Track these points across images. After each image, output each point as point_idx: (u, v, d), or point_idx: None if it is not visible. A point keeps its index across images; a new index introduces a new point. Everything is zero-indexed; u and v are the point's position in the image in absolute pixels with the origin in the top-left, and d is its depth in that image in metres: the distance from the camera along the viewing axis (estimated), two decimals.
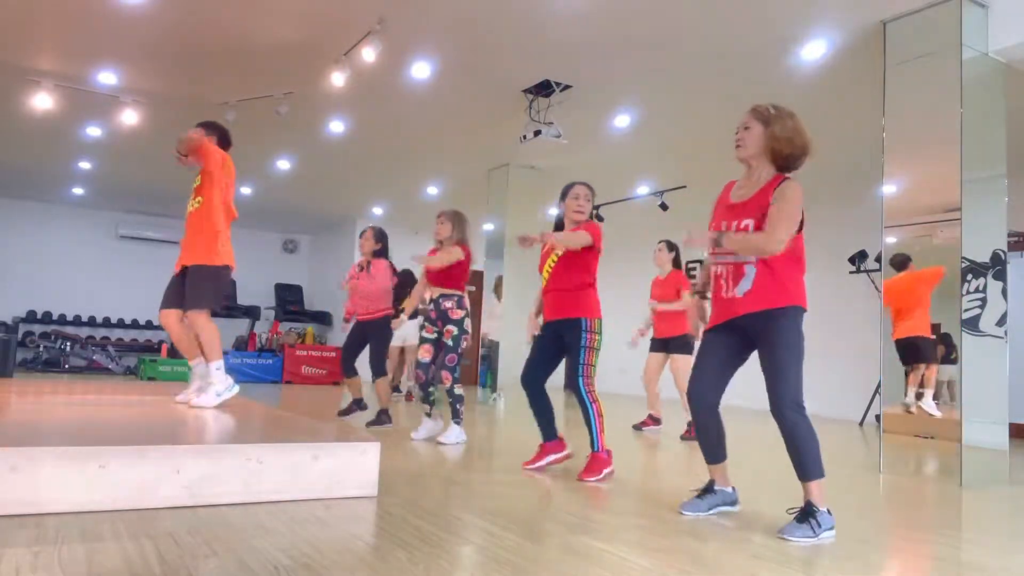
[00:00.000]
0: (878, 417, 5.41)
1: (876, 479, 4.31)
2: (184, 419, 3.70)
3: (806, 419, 2.70)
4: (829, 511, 2.72)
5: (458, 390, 4.84)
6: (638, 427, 6.42)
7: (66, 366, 11.51)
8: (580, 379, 3.73)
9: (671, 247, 6.22)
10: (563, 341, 3.83)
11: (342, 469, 2.92)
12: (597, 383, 3.82)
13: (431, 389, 4.98)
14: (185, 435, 3.12)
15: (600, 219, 10.50)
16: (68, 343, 11.59)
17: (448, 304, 4.82)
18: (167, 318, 4.37)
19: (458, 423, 4.87)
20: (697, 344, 3.29)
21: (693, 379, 2.94)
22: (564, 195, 3.96)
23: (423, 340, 4.92)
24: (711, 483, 3.02)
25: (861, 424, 8.47)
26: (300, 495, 2.83)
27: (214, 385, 4.26)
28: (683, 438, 5.85)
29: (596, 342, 3.77)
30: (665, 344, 6.10)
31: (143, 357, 11.05)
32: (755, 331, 2.80)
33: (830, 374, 9.57)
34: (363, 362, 5.96)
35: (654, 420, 6.43)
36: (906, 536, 2.90)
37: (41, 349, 11.53)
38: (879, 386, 5.89)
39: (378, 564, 2.08)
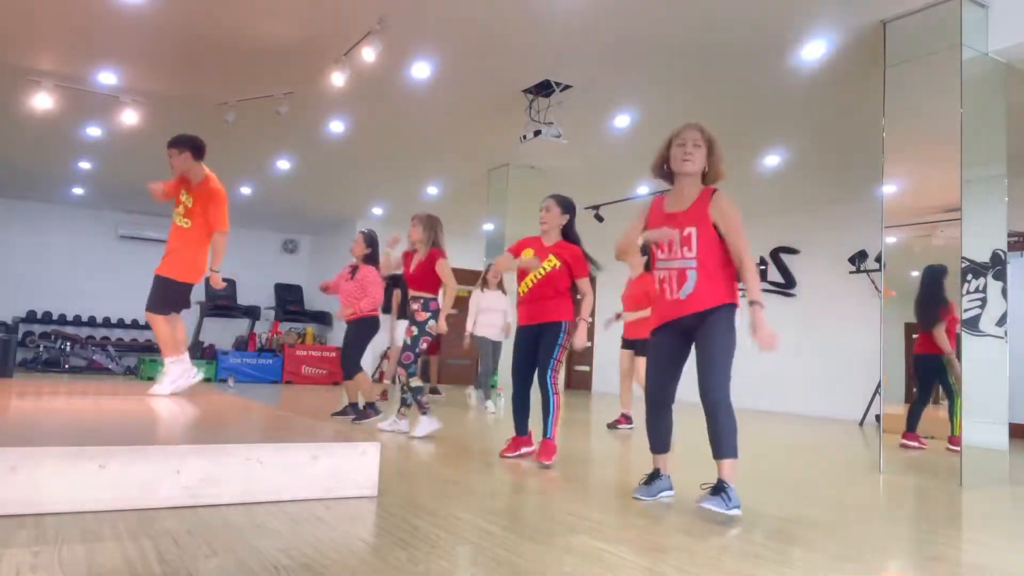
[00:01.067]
0: (878, 417, 5.41)
1: (876, 479, 4.31)
2: (184, 419, 3.70)
3: (729, 404, 3.01)
4: (733, 488, 2.99)
5: (414, 383, 5.05)
6: (612, 426, 6.53)
7: (66, 366, 11.51)
8: (549, 372, 4.15)
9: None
10: (539, 340, 4.20)
11: (342, 469, 2.92)
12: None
13: (403, 387, 5.18)
14: (185, 435, 3.13)
15: (600, 219, 10.50)
16: (68, 343, 11.59)
17: (415, 306, 5.05)
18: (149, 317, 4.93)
19: (425, 413, 5.07)
20: None
21: (648, 376, 3.26)
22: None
23: (404, 343, 5.09)
24: (656, 471, 3.34)
25: (861, 424, 8.48)
26: (300, 495, 2.83)
27: (168, 375, 4.88)
28: (609, 427, 6.49)
29: (569, 344, 4.21)
30: (632, 344, 6.53)
31: (143, 357, 11.05)
32: (695, 328, 3.10)
33: (830, 374, 9.58)
34: (363, 362, 6.01)
35: (626, 419, 6.55)
36: (906, 536, 2.90)
37: (41, 349, 11.53)
38: (879, 386, 5.89)
39: (378, 564, 2.08)
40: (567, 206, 4.28)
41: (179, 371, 4.90)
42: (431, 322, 5.01)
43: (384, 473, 3.44)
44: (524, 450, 4.34)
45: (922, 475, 4.43)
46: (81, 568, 1.89)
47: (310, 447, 2.87)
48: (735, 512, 2.89)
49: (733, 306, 3.09)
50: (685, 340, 3.16)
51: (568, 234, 4.27)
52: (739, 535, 2.69)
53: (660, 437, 3.29)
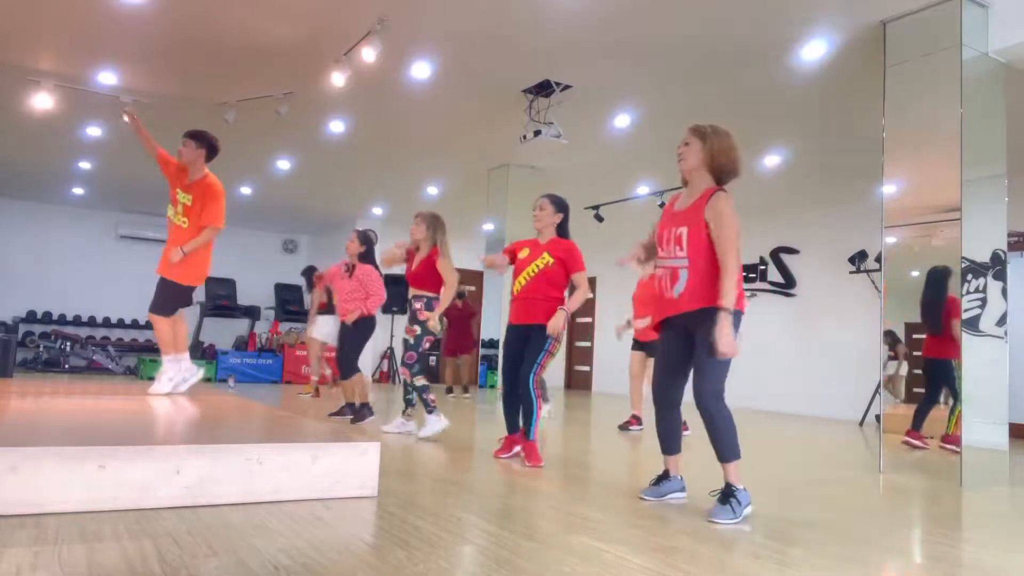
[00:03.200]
0: (878, 417, 5.41)
1: (876, 479, 4.31)
2: (184, 419, 3.70)
3: (725, 408, 3.01)
4: (745, 488, 3.02)
5: (419, 382, 5.00)
6: (623, 427, 6.49)
7: (66, 366, 11.51)
8: (532, 375, 4.13)
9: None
10: (527, 341, 4.18)
11: (342, 469, 2.92)
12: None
13: (408, 387, 5.13)
14: (185, 435, 3.12)
15: (600, 219, 10.50)
16: (68, 343, 11.59)
17: (418, 305, 4.99)
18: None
19: (431, 412, 5.01)
20: None
21: (655, 376, 3.25)
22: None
23: (404, 341, 5.05)
24: (666, 472, 3.31)
25: (861, 424, 8.47)
26: (300, 495, 2.83)
27: (166, 372, 4.89)
28: (621, 428, 6.44)
29: (557, 348, 4.19)
30: (643, 346, 6.47)
31: (143, 357, 11.04)
32: (692, 327, 3.08)
33: (830, 374, 9.57)
34: (363, 362, 6.00)
35: (637, 420, 6.50)
36: (906, 536, 2.90)
37: (41, 349, 11.53)
38: (879, 386, 5.89)
39: (378, 564, 2.08)
40: (560, 205, 4.28)
41: (176, 369, 4.90)
42: (432, 322, 4.99)
43: (384, 473, 3.44)
44: (517, 449, 4.37)
45: (922, 475, 4.43)
46: (81, 568, 1.89)
47: (310, 447, 2.87)
48: (746, 513, 2.94)
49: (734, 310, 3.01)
50: (686, 340, 3.14)
51: (562, 233, 4.28)
52: (739, 535, 2.69)
53: (669, 438, 3.26)
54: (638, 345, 6.53)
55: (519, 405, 4.34)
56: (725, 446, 3.00)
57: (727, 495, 2.95)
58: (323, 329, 8.15)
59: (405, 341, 5.00)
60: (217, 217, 4.79)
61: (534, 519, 2.76)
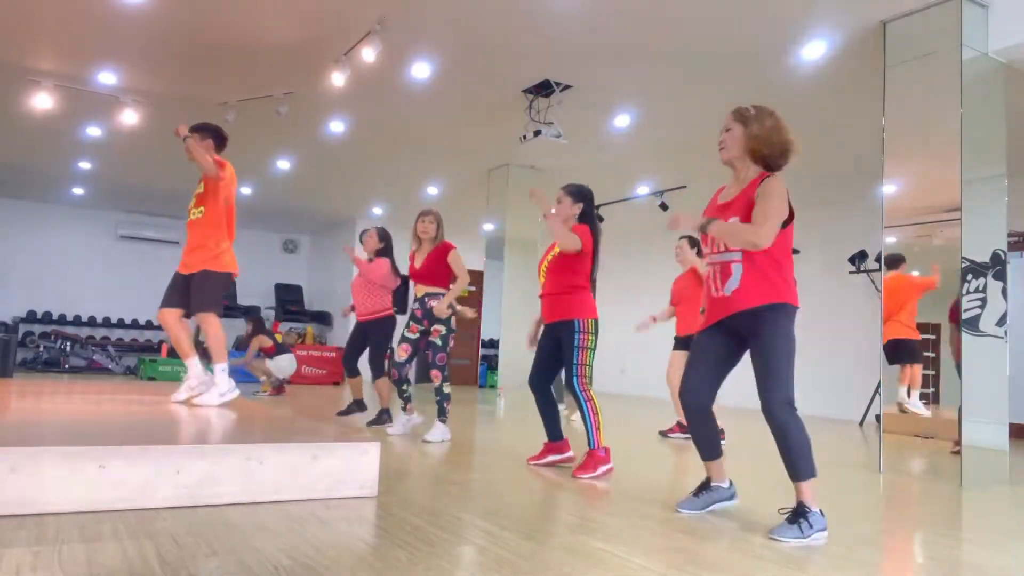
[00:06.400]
0: (878, 417, 5.41)
1: (876, 479, 4.31)
2: (184, 419, 3.70)
3: (797, 419, 2.68)
4: (822, 512, 2.71)
5: (447, 388, 4.91)
6: (664, 434, 6.00)
7: (66, 366, 11.50)
8: (575, 379, 3.83)
9: (693, 243, 5.89)
10: (559, 342, 3.92)
11: (342, 469, 2.92)
12: (599, 384, 3.91)
13: (404, 386, 5.04)
14: (185, 435, 3.12)
15: (600, 219, 10.50)
16: (68, 343, 11.58)
17: (434, 303, 4.86)
18: (166, 317, 4.46)
19: (443, 421, 4.94)
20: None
21: (685, 379, 2.95)
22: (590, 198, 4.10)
23: (403, 339, 4.96)
24: (707, 480, 3.05)
25: (861, 424, 8.47)
26: (300, 495, 2.83)
27: (217, 386, 4.37)
28: (663, 434, 5.97)
29: (590, 342, 3.87)
30: (686, 342, 5.76)
31: (143, 357, 11.04)
32: (746, 330, 2.79)
33: (830, 374, 9.57)
34: (363, 362, 5.99)
35: (682, 427, 5.92)
36: (906, 536, 2.90)
37: (41, 349, 11.53)
38: (879, 386, 5.89)
39: (378, 564, 2.08)
40: (578, 195, 4.00)
41: (229, 384, 4.41)
42: (453, 318, 4.87)
43: (384, 473, 3.44)
44: (551, 458, 4.10)
45: (922, 475, 4.43)
46: (81, 568, 1.89)
47: (310, 447, 2.87)
48: (814, 539, 2.63)
49: (790, 307, 2.76)
50: (734, 344, 2.88)
51: (584, 222, 3.99)
52: (739, 535, 2.68)
53: (706, 443, 2.99)
54: (680, 343, 5.86)
55: (551, 410, 4.10)
56: (799, 461, 2.68)
57: (798, 514, 2.66)
58: (284, 365, 8.43)
59: (432, 344, 4.83)
60: (220, 165, 4.41)
61: (534, 519, 2.76)
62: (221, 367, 4.37)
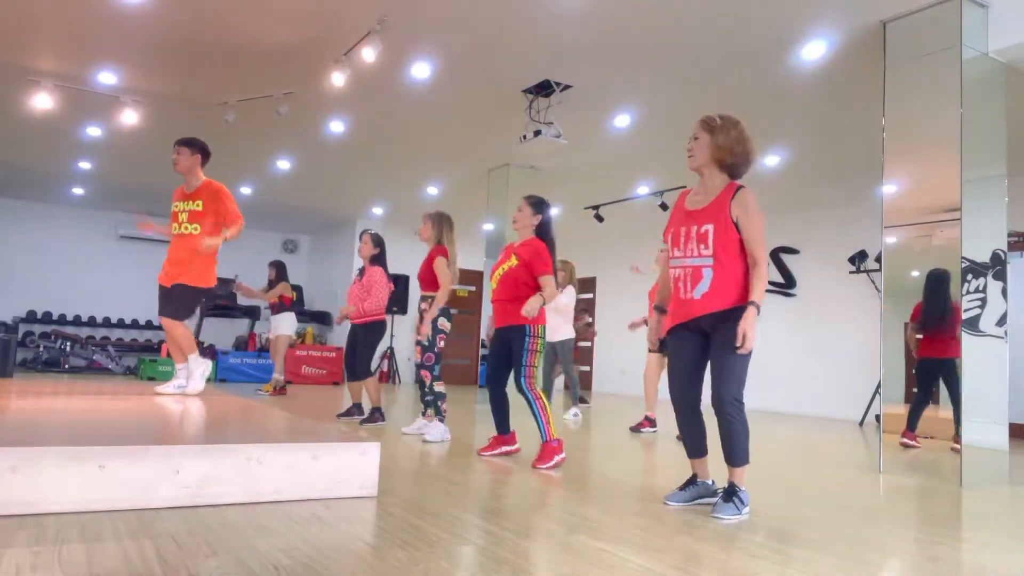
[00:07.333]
0: (878, 417, 5.41)
1: (876, 479, 4.31)
2: (184, 419, 3.70)
3: (743, 415, 2.96)
4: (746, 490, 3.04)
5: (438, 387, 5.01)
6: (635, 429, 6.37)
7: (66, 366, 11.50)
8: (523, 379, 4.10)
9: None
10: (510, 344, 4.17)
11: (342, 469, 2.92)
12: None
13: (427, 389, 5.06)
14: (185, 435, 3.12)
15: (600, 219, 10.50)
16: (68, 343, 11.58)
17: (424, 305, 4.98)
18: (164, 323, 4.95)
19: (441, 420, 5.00)
20: None
21: (671, 380, 3.15)
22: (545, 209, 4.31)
23: (417, 342, 5.01)
24: (693, 476, 3.22)
25: (861, 424, 8.47)
26: (300, 495, 2.83)
27: (196, 370, 4.95)
28: (632, 430, 6.33)
29: (539, 345, 4.16)
30: (664, 345, 6.05)
31: (143, 357, 11.04)
32: (711, 328, 2.99)
33: (830, 374, 9.58)
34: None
35: (650, 422, 6.39)
36: (906, 536, 2.90)
37: (41, 349, 11.53)
38: (879, 386, 5.89)
39: (378, 564, 2.08)
40: (538, 205, 4.21)
41: (205, 364, 5.01)
42: (441, 319, 4.95)
43: (384, 473, 3.44)
44: (503, 449, 4.40)
45: (922, 475, 4.43)
46: (81, 568, 1.89)
47: (310, 447, 2.87)
48: (745, 515, 2.96)
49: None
50: (703, 342, 3.05)
51: (541, 234, 4.20)
52: (739, 535, 2.69)
53: (693, 441, 3.18)
54: (657, 345, 6.03)
55: (504, 407, 4.38)
56: (737, 451, 2.97)
57: (731, 493, 2.97)
58: (284, 325, 8.37)
59: (419, 343, 4.94)
60: (238, 215, 4.87)
61: (534, 519, 2.76)
62: (193, 356, 4.93)
